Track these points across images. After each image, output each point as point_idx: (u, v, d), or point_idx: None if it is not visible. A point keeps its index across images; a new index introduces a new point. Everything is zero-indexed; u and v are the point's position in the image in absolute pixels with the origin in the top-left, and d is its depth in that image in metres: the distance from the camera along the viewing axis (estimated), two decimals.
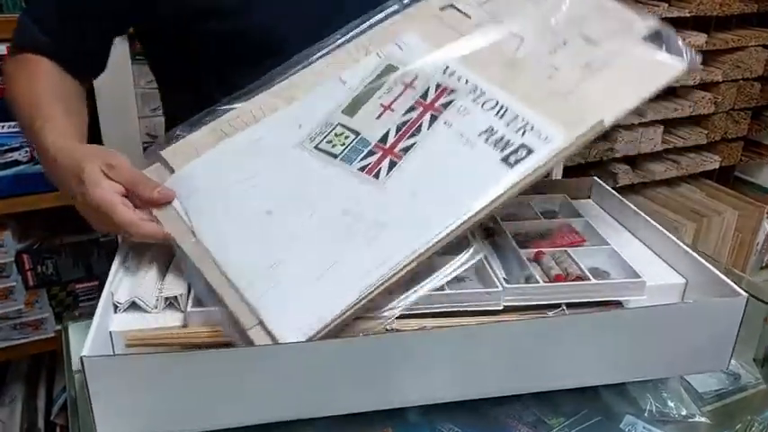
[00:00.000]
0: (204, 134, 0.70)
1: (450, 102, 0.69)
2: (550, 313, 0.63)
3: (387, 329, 0.58)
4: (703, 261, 0.68)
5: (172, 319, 0.61)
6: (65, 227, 1.51)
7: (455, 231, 0.60)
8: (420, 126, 0.68)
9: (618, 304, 0.66)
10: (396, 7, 0.76)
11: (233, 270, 0.59)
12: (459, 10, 0.77)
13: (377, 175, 0.65)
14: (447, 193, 0.63)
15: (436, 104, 0.69)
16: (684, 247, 0.70)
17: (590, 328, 0.60)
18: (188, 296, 0.61)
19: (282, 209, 0.64)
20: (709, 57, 1.98)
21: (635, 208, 0.78)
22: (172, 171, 0.68)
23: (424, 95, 0.70)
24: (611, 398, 0.68)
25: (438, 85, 0.70)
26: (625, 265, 0.68)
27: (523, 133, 0.65)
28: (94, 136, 1.20)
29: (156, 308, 0.61)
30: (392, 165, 0.65)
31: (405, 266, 0.58)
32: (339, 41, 0.74)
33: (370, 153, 0.67)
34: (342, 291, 0.57)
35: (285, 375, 0.55)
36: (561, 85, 0.69)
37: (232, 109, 0.71)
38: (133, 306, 0.61)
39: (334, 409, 0.58)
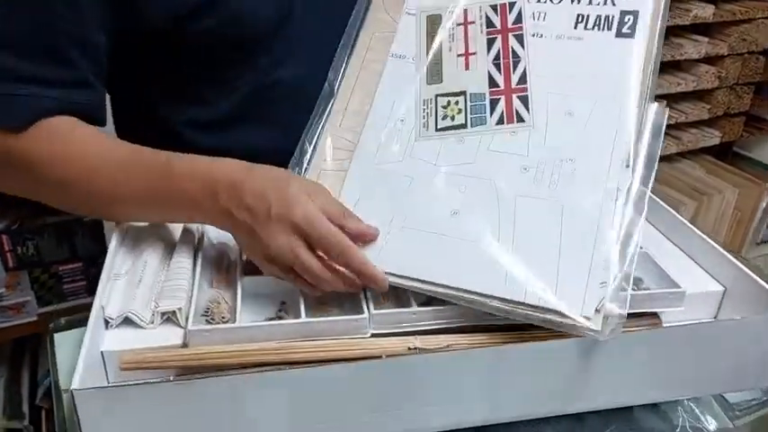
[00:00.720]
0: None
1: (519, 14, 0.63)
2: None
3: (410, 348, 0.53)
4: (743, 267, 0.63)
5: (170, 336, 0.55)
6: (46, 206, 1.44)
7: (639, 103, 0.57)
8: (514, 52, 0.62)
9: (653, 314, 0.61)
10: None
11: (483, 286, 0.54)
12: None
13: (521, 119, 0.60)
14: (598, 91, 0.59)
15: (509, 25, 0.63)
16: (722, 250, 0.65)
17: (630, 347, 0.55)
18: (188, 311, 0.55)
19: (464, 203, 0.58)
20: (715, 29, 1.92)
21: (665, 205, 0.73)
22: None
23: (490, 24, 0.64)
24: (640, 412, 0.63)
25: (494, 7, 0.64)
26: (661, 271, 0.63)
27: (613, 2, 0.61)
28: None
29: (153, 323, 0.55)
30: (524, 100, 0.60)
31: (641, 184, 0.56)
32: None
33: (493, 102, 0.61)
34: (593, 242, 0.54)
35: (301, 403, 0.50)
36: None
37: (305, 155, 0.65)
38: (126, 321, 0.55)
39: None
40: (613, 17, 0.61)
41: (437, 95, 0.63)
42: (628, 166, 0.56)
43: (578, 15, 0.62)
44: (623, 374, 0.57)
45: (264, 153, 0.62)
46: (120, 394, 0.47)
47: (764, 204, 2.16)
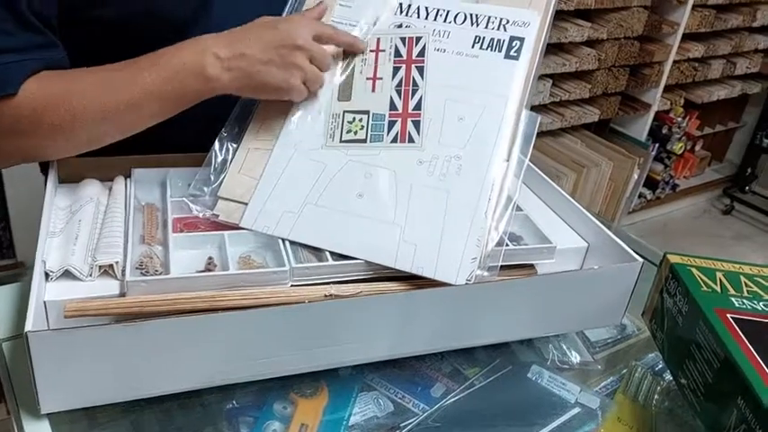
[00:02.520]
0: (235, 178, 0.71)
1: (423, 49, 0.74)
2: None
3: (326, 295, 0.61)
4: (603, 227, 0.75)
5: (106, 288, 0.60)
6: None
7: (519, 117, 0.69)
8: (415, 81, 0.73)
9: (529, 265, 0.72)
10: None
11: (378, 258, 0.64)
12: None
13: (411, 140, 0.70)
14: (486, 101, 0.70)
15: (413, 57, 0.73)
16: (587, 213, 0.77)
17: (511, 293, 0.66)
18: (124, 264, 0.61)
19: (368, 188, 0.68)
20: (596, 15, 2.09)
21: (543, 174, 0.85)
22: (245, 204, 0.69)
23: (397, 54, 0.74)
24: (518, 348, 0.75)
25: (403, 39, 0.74)
26: (537, 230, 0.74)
27: (505, 29, 0.73)
28: None
29: (91, 276, 0.60)
30: (417, 124, 0.71)
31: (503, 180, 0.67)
32: None
33: (391, 123, 0.71)
34: (470, 224, 0.65)
35: (233, 343, 0.57)
36: None
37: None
38: (65, 274, 0.60)
39: (283, 370, 0.62)
40: (504, 41, 0.72)
41: (345, 111, 0.73)
42: (507, 160, 0.68)
43: (476, 36, 0.73)
44: (506, 315, 0.68)
45: (192, 125, 0.68)
46: (73, 336, 0.52)
47: (635, 176, 2.39)
